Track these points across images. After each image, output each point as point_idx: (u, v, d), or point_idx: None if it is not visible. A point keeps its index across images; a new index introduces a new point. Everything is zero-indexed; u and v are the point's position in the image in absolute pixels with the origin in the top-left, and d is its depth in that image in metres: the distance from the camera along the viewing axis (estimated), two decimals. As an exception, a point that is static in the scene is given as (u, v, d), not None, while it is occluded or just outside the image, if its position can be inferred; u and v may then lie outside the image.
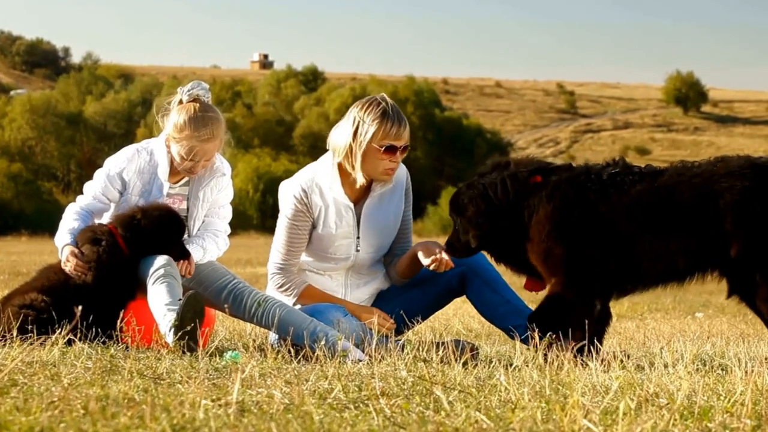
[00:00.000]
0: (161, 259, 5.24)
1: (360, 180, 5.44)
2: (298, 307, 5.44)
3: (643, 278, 5.02)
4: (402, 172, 5.63)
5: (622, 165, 5.06)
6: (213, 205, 5.65)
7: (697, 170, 4.91)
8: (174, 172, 5.57)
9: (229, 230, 5.73)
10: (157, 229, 5.30)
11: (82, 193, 5.56)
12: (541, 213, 5.02)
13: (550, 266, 5.06)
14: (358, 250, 5.56)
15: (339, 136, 5.46)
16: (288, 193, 5.51)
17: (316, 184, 5.48)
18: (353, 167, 5.43)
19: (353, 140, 5.39)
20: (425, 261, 5.39)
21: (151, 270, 5.20)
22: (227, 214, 5.72)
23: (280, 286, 5.53)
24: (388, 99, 5.49)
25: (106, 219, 5.50)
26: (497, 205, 5.14)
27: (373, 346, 4.89)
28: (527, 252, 5.13)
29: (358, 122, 5.41)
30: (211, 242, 5.56)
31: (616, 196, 4.94)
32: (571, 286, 5.01)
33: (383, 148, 5.38)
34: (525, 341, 5.06)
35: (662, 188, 4.90)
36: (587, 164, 5.16)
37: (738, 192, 4.77)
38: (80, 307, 4.83)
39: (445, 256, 5.36)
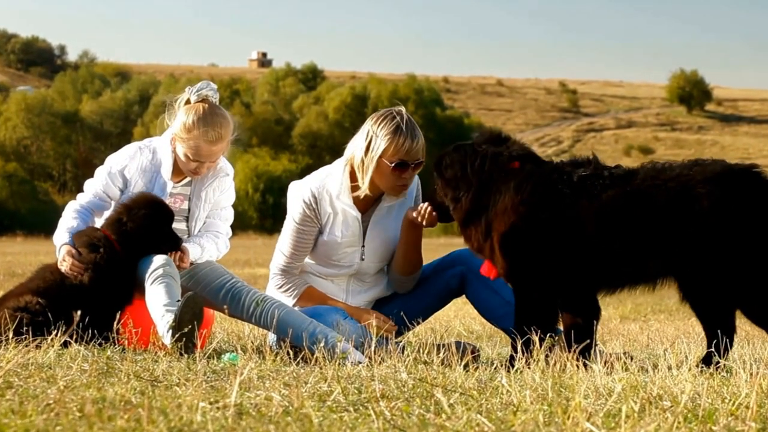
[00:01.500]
0: (160, 259, 5.20)
1: (365, 192, 5.41)
2: (297, 308, 5.41)
3: (612, 281, 4.98)
4: (414, 182, 5.58)
5: (593, 166, 4.98)
6: (215, 206, 5.61)
7: (671, 173, 4.86)
8: (177, 171, 5.53)
9: (230, 233, 5.69)
10: (145, 227, 5.24)
11: (77, 192, 5.52)
12: (507, 200, 4.97)
13: (510, 260, 5.00)
14: (362, 259, 5.53)
15: (353, 148, 5.43)
16: (297, 196, 5.47)
17: (326, 191, 5.44)
18: (362, 180, 5.39)
19: (365, 155, 5.37)
20: (412, 214, 5.36)
21: (150, 270, 5.16)
22: (229, 216, 5.69)
23: (280, 287, 5.50)
24: (404, 113, 5.43)
25: (105, 218, 5.45)
26: (469, 177, 5.09)
27: (373, 348, 4.86)
28: (486, 234, 5.06)
29: (371, 136, 5.37)
30: (210, 242, 5.52)
31: (585, 200, 4.87)
32: (533, 287, 4.97)
33: (393, 165, 5.34)
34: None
35: (635, 192, 4.85)
36: (562, 162, 5.10)
37: (717, 198, 4.74)
38: (79, 312, 4.83)
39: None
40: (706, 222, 4.74)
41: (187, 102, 5.51)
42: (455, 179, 5.13)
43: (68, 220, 5.37)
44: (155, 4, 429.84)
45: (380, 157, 5.34)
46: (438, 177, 5.22)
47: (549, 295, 4.97)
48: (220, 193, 5.62)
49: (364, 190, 5.40)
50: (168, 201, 5.46)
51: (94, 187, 5.47)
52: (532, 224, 4.92)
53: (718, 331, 4.85)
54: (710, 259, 4.76)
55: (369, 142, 5.36)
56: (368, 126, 5.41)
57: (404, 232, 5.47)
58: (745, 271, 4.76)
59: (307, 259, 5.54)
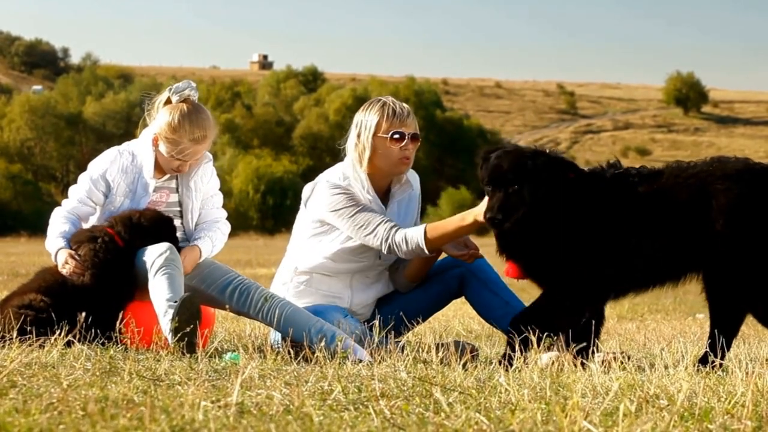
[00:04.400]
0: (162, 247, 5.19)
1: (372, 177, 5.39)
2: (303, 306, 5.39)
3: (641, 281, 5.01)
4: (416, 180, 5.60)
5: (623, 168, 5.02)
6: (205, 195, 5.63)
7: (693, 170, 4.91)
8: (158, 169, 5.53)
9: (225, 214, 5.72)
10: (153, 228, 5.28)
11: (79, 195, 5.55)
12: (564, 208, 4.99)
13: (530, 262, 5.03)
14: (380, 257, 5.52)
15: (349, 143, 5.44)
16: (328, 189, 5.37)
17: (351, 184, 5.40)
18: (361, 163, 5.37)
19: (358, 140, 5.38)
20: (455, 252, 5.35)
21: (153, 258, 5.15)
22: (220, 200, 5.71)
23: (403, 247, 5.26)
24: (387, 96, 5.49)
25: (92, 223, 5.47)
26: (511, 179, 4.94)
27: (373, 347, 4.89)
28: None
29: (360, 121, 5.41)
30: (215, 232, 5.55)
31: (620, 201, 4.90)
32: (569, 292, 4.99)
33: (390, 136, 5.36)
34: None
35: (661, 190, 4.89)
36: (603, 169, 5.12)
37: (734, 195, 4.77)
38: (83, 314, 4.86)
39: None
40: (722, 218, 4.77)
41: (167, 102, 5.53)
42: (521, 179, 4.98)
43: (59, 226, 5.37)
44: (158, 7, 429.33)
45: (374, 134, 5.35)
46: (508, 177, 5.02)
47: (579, 306, 4.99)
48: (208, 181, 5.62)
49: (367, 170, 5.37)
50: (154, 197, 5.48)
51: (78, 193, 5.47)
52: (572, 231, 4.93)
53: (717, 330, 4.87)
54: (725, 255, 4.80)
55: (360, 129, 5.39)
56: (356, 118, 5.47)
57: (429, 260, 5.45)
58: (757, 268, 4.79)
59: (320, 258, 5.45)
